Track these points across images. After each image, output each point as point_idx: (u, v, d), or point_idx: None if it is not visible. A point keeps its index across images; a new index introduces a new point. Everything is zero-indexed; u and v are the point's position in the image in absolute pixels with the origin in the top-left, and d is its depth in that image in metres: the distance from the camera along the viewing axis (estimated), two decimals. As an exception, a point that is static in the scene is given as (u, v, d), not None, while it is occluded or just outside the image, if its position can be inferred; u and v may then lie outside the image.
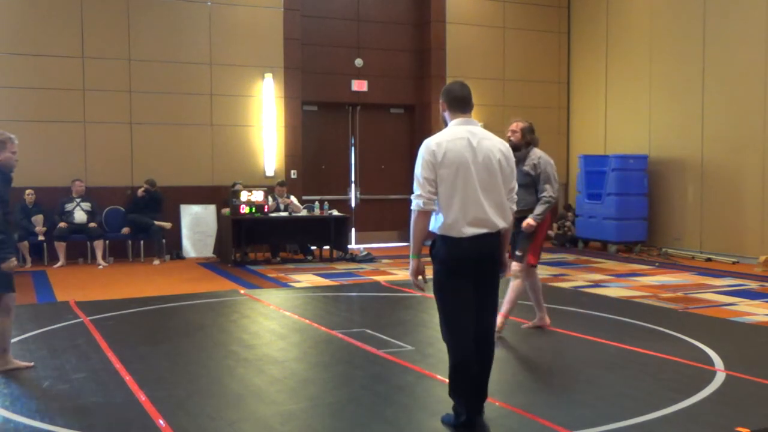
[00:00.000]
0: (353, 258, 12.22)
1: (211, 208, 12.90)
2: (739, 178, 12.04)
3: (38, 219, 11.50)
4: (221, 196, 12.71)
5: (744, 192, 11.97)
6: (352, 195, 14.42)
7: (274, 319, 7.53)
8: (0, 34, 11.67)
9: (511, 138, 6.54)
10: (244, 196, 11.57)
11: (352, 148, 14.45)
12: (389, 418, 4.46)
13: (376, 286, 9.62)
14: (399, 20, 14.56)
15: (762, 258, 11.08)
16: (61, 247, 11.47)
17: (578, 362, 5.69)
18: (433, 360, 5.73)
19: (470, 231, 3.92)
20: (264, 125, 13.22)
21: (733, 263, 11.72)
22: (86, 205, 11.73)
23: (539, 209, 6.45)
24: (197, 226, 12.80)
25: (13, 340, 6.36)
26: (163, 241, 12.08)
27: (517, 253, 6.45)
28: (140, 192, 11.96)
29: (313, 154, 14.07)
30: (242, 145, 13.10)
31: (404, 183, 14.82)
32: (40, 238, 11.48)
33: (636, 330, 6.82)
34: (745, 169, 11.94)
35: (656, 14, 13.52)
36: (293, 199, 12.47)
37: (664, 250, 12.88)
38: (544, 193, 6.53)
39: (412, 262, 4.02)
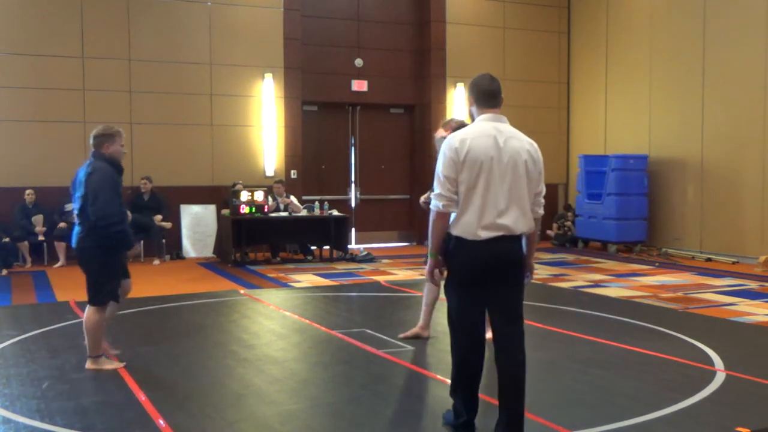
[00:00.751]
0: (353, 258, 12.22)
1: (211, 208, 12.90)
2: (739, 178, 12.04)
3: (38, 219, 11.50)
4: (221, 196, 12.71)
5: (744, 192, 11.97)
6: (352, 195, 14.41)
7: (274, 319, 7.53)
8: (0, 34, 11.67)
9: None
10: (244, 196, 11.57)
11: (352, 148, 14.45)
12: (389, 418, 4.46)
13: (376, 286, 9.62)
14: (399, 20, 14.56)
15: (762, 258, 11.08)
16: (61, 247, 11.46)
17: (578, 362, 5.68)
18: (433, 360, 5.73)
19: (485, 234, 3.73)
20: (264, 125, 13.22)
21: (733, 263, 11.72)
22: (86, 205, 11.71)
23: None
24: (197, 226, 12.80)
25: (13, 340, 6.38)
26: (164, 241, 12.09)
27: None
28: (143, 186, 11.95)
29: (313, 154, 14.07)
30: (242, 145, 13.10)
31: (404, 183, 14.84)
32: (40, 238, 11.48)
33: (636, 330, 6.82)
34: (745, 169, 11.94)
35: (656, 14, 13.52)
36: (293, 199, 12.47)
37: (664, 250, 12.88)
38: None
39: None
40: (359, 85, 14.14)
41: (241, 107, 13.11)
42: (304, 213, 12.27)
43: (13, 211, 11.43)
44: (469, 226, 3.74)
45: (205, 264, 11.81)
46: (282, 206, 12.26)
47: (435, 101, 14.39)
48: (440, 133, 6.09)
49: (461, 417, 4.06)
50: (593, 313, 7.63)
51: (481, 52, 14.79)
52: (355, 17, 14.18)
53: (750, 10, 11.80)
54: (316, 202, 12.40)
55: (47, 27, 11.90)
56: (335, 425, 4.40)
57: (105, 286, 5.34)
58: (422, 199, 6.65)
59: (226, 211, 11.82)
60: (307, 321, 7.30)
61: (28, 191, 11.47)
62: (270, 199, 12.09)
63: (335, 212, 12.39)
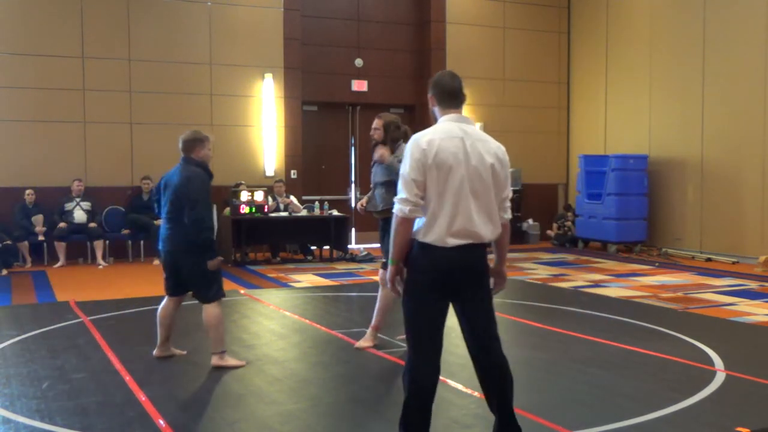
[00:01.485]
0: (353, 258, 12.22)
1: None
2: (739, 178, 12.04)
3: (38, 219, 11.50)
4: (221, 196, 12.70)
5: (744, 192, 11.97)
6: (352, 195, 14.41)
7: (274, 319, 7.53)
8: (0, 34, 11.67)
9: (373, 135, 6.01)
10: (244, 196, 11.57)
11: (352, 148, 14.45)
12: (389, 418, 4.46)
13: (376, 286, 9.57)
14: (399, 20, 14.56)
15: (762, 258, 11.08)
16: (61, 247, 11.47)
17: (578, 362, 5.68)
18: (433, 360, 5.72)
19: (454, 242, 3.49)
20: (264, 125, 13.22)
21: (733, 263, 11.71)
22: (86, 205, 11.72)
23: None
24: (197, 226, 12.78)
25: (13, 340, 6.38)
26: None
27: (384, 260, 5.65)
28: (144, 186, 11.95)
29: (313, 154, 14.07)
30: (242, 145, 13.10)
31: (404, 183, 14.83)
32: (40, 238, 11.47)
33: (636, 330, 6.82)
34: (744, 169, 11.94)
35: (656, 14, 13.52)
36: (293, 199, 12.47)
37: (664, 250, 12.88)
38: None
39: (391, 268, 3.58)
40: (359, 85, 14.14)
41: (241, 107, 13.11)
42: (304, 213, 12.27)
43: (13, 211, 11.43)
44: (437, 232, 3.49)
45: (205, 264, 11.80)
46: (282, 206, 12.26)
47: (435, 101, 14.37)
48: (381, 151, 5.90)
49: None
50: (593, 313, 7.63)
51: (481, 52, 14.79)
52: (355, 17, 14.18)
53: (750, 10, 11.80)
54: (316, 202, 12.40)
55: (47, 27, 11.90)
56: (335, 425, 4.40)
57: (214, 282, 5.48)
58: (359, 205, 6.45)
59: (226, 211, 11.82)
60: (307, 321, 7.30)
61: (28, 191, 11.46)
62: (270, 199, 12.09)
63: (335, 212, 12.39)
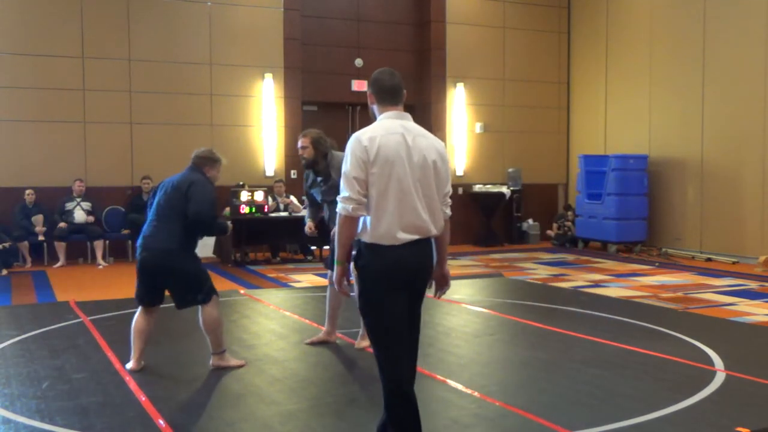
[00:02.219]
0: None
1: (211, 208, 12.88)
2: (739, 178, 12.04)
3: (38, 219, 11.50)
4: (221, 196, 12.69)
5: (744, 192, 11.97)
6: (352, 195, 14.39)
7: (274, 319, 7.53)
8: (0, 34, 11.67)
9: (303, 155, 5.98)
10: (244, 196, 11.57)
11: (352, 148, 14.43)
12: (389, 418, 4.45)
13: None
14: (399, 20, 14.56)
15: (762, 258, 11.08)
16: (61, 247, 11.47)
17: (578, 362, 5.68)
18: (433, 360, 5.73)
19: (404, 237, 3.42)
20: (264, 125, 13.22)
21: (733, 263, 11.71)
22: (86, 205, 11.73)
23: None
24: (197, 226, 12.78)
25: (13, 340, 6.38)
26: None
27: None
28: (144, 186, 11.96)
29: (313, 154, 14.04)
30: (242, 145, 13.09)
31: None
32: (40, 238, 11.47)
33: (636, 330, 6.82)
34: (745, 169, 11.94)
35: (656, 14, 13.52)
36: (293, 199, 12.47)
37: (664, 250, 12.88)
38: None
39: (337, 269, 3.51)
40: (359, 85, 14.13)
41: (241, 107, 13.11)
42: (304, 213, 12.24)
43: (13, 211, 11.43)
44: (385, 230, 3.42)
45: (205, 264, 11.75)
46: (282, 206, 12.26)
47: (435, 101, 14.39)
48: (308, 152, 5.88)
49: None
50: (593, 313, 7.63)
51: (481, 52, 14.79)
52: (355, 17, 14.18)
53: (750, 10, 11.80)
54: (316, 202, 12.37)
55: (47, 27, 11.90)
56: (335, 425, 4.40)
57: (204, 282, 5.45)
58: (308, 229, 6.62)
59: (226, 211, 11.82)
60: (307, 321, 7.30)
61: (28, 191, 11.47)
62: (270, 199, 12.09)
63: (335, 212, 12.36)
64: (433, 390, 4.99)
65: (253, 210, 11.59)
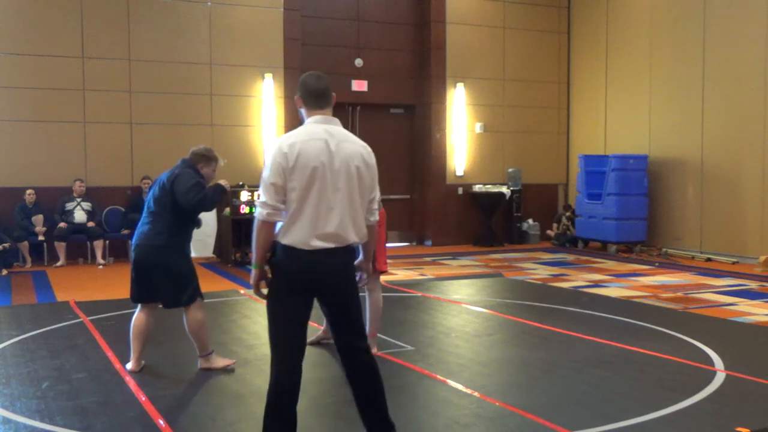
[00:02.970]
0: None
1: (211, 208, 12.88)
2: (739, 178, 12.04)
3: (38, 219, 11.50)
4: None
5: (744, 192, 11.97)
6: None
7: (274, 319, 7.51)
8: (0, 34, 11.67)
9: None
10: (244, 196, 11.57)
11: (352, 148, 14.43)
12: (389, 418, 4.46)
13: (376, 286, 9.60)
14: (399, 20, 14.56)
15: (762, 258, 11.08)
16: (61, 247, 11.46)
17: (578, 362, 5.69)
18: (432, 360, 5.73)
19: (318, 245, 3.47)
20: (264, 125, 13.22)
21: (733, 263, 11.71)
22: (86, 205, 11.72)
23: None
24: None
25: (13, 340, 6.38)
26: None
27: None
28: (144, 186, 11.95)
29: (313, 154, 14.04)
30: (242, 145, 13.09)
31: (404, 183, 14.83)
32: (40, 238, 11.47)
33: (636, 330, 6.82)
34: (745, 170, 11.94)
35: (656, 14, 13.52)
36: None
37: (664, 250, 12.88)
38: None
39: (254, 272, 3.59)
40: (359, 85, 14.13)
41: (241, 107, 13.11)
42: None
43: (13, 211, 11.43)
44: (300, 235, 3.47)
45: (206, 264, 11.80)
46: (282, 206, 12.25)
47: (435, 101, 14.39)
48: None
49: None
50: (593, 313, 7.63)
51: (481, 52, 14.79)
52: (355, 17, 14.18)
53: (750, 10, 11.80)
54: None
55: (47, 27, 11.89)
56: (335, 425, 4.40)
57: (189, 283, 5.38)
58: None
59: (226, 211, 11.83)
60: (307, 321, 7.29)
61: (28, 191, 11.47)
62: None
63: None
64: (433, 390, 5.00)
65: (253, 210, 11.60)
